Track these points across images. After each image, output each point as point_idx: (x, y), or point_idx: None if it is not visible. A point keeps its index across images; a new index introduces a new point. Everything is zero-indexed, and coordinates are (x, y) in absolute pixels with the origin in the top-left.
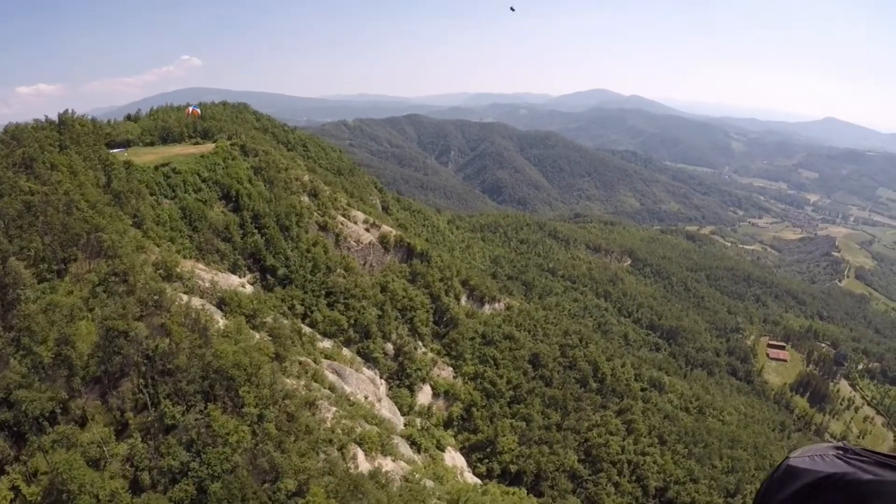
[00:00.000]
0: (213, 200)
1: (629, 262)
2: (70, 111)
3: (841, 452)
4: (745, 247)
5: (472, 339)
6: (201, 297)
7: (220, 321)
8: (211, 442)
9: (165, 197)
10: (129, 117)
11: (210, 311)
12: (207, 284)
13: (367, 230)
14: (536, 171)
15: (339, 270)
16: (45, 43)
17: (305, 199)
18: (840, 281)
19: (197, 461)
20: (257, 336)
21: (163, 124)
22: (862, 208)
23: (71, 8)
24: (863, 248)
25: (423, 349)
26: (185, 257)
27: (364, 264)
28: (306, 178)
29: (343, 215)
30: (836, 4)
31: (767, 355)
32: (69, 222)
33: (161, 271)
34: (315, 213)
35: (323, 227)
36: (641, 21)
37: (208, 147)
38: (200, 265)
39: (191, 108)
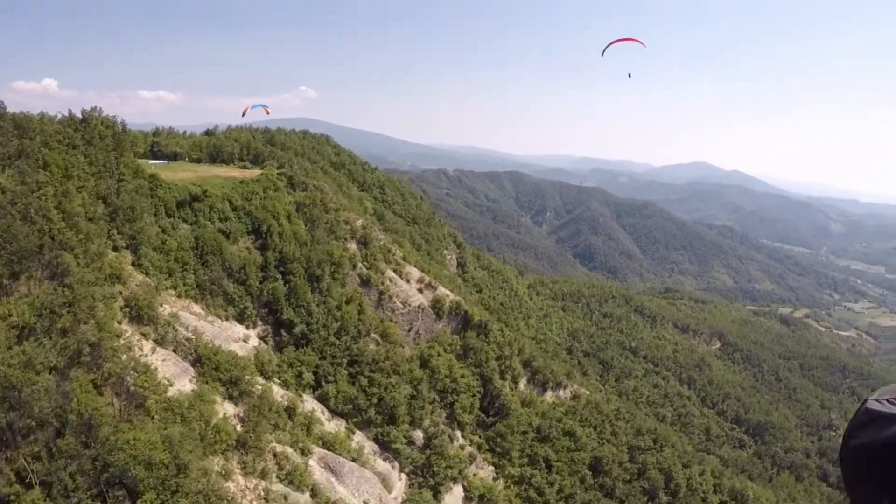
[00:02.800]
0: (239, 233)
1: (718, 345)
2: (98, 109)
3: None
4: (840, 333)
5: (525, 433)
6: (174, 351)
7: (186, 385)
8: None
9: (184, 221)
10: (207, 132)
11: (171, 374)
12: (189, 334)
13: (421, 290)
14: (630, 241)
15: (372, 335)
16: (172, 52)
17: (353, 246)
18: None
19: None
20: (222, 413)
21: (215, 141)
22: None
23: (199, 25)
24: None
25: (461, 441)
26: (179, 296)
27: (409, 331)
28: (359, 222)
29: (395, 270)
30: None
31: None
32: (24, 232)
33: (129, 309)
34: (360, 265)
35: (365, 282)
36: (747, 92)
37: (254, 173)
38: (197, 307)
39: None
